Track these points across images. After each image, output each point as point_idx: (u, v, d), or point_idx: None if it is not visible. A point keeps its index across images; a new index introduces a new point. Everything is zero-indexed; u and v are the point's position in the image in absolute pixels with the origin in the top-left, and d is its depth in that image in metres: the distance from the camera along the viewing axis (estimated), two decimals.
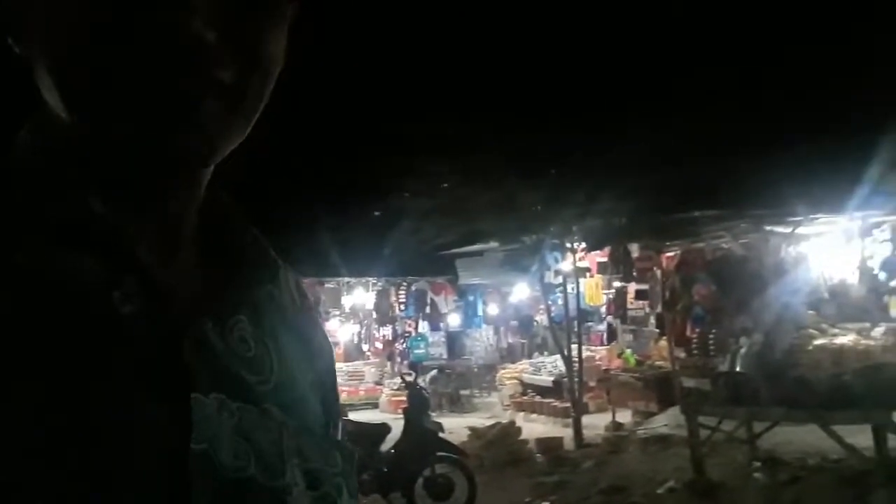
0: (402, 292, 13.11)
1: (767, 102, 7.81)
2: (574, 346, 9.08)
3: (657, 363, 9.72)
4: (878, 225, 8.70)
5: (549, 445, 7.86)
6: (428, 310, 13.01)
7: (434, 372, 11.93)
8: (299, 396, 0.56)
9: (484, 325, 13.36)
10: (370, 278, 12.82)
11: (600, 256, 9.81)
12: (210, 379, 0.48)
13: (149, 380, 0.46)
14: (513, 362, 12.46)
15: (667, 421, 8.10)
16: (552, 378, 10.35)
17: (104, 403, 0.44)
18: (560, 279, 9.55)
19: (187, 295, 0.51)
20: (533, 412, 10.19)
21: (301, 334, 0.60)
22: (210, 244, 0.56)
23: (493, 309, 13.15)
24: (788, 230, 8.47)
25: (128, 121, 0.45)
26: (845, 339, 8.02)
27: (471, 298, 12.92)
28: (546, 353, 12.28)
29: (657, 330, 10.09)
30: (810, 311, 8.75)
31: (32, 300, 0.45)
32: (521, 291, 12.52)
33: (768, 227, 8.47)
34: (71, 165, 0.49)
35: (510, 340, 13.82)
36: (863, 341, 7.96)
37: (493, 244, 9.93)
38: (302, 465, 0.53)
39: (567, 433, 8.39)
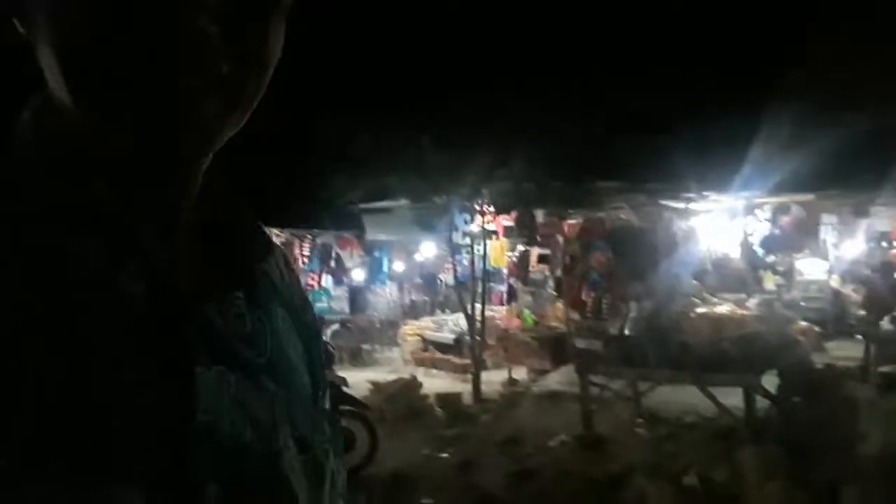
0: (307, 245, 12.91)
1: (667, 82, 8.17)
2: (477, 306, 9.31)
3: (553, 324, 10.14)
4: (760, 205, 9.40)
5: (449, 400, 8.06)
6: (333, 264, 12.89)
7: (336, 326, 11.89)
8: (290, 368, 0.60)
9: (388, 282, 13.41)
10: (273, 229, 12.53)
11: (507, 220, 10.04)
12: (211, 353, 0.51)
13: (153, 355, 0.48)
14: (415, 319, 12.62)
15: (560, 378, 8.45)
16: (453, 335, 10.56)
17: (112, 378, 0.45)
18: (467, 240, 9.72)
19: (187, 274, 0.53)
20: (433, 368, 10.36)
21: (290, 308, 0.64)
22: (207, 225, 0.58)
23: (398, 266, 13.19)
24: (681, 205, 9.00)
25: (129, 114, 0.46)
26: (724, 308, 8.71)
27: (377, 254, 12.90)
28: (448, 310, 12.50)
29: (555, 293, 10.50)
30: (695, 282, 9.42)
31: (39, 279, 0.46)
32: (427, 250, 12.63)
33: (663, 202, 8.96)
34: (74, 148, 0.50)
35: (413, 297, 13.95)
36: (739, 311, 8.67)
37: (403, 202, 9.95)
38: (293, 432, 0.56)
39: (466, 388, 8.61)
